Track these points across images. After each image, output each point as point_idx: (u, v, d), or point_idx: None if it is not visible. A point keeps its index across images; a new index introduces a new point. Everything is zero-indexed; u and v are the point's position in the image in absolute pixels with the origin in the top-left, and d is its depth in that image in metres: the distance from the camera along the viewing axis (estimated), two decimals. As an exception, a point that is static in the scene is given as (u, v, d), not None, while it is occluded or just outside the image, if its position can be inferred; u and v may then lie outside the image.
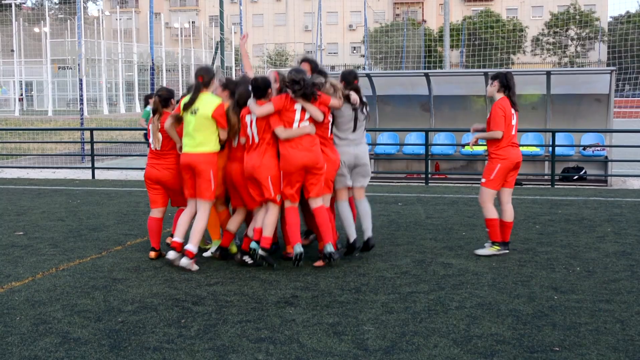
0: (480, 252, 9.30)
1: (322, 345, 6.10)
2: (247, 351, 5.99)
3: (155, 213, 9.27)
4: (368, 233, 9.17)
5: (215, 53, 20.11)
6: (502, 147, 9.10)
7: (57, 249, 9.83)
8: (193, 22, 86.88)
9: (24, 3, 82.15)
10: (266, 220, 8.56)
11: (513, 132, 9.16)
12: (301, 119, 8.41)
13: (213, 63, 21.20)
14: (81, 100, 24.91)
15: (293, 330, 6.49)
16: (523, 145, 18.22)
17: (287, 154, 8.41)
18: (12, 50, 60.85)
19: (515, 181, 9.42)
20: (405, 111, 19.57)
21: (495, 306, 7.14)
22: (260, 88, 8.47)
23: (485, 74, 17.88)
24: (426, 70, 21.00)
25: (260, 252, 8.51)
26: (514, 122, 9.16)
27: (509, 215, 9.31)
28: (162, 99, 9.07)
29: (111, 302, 7.36)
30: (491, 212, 9.20)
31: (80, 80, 24.41)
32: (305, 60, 9.38)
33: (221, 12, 19.24)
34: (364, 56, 54.07)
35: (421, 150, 18.33)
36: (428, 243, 10.06)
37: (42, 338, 6.31)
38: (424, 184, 17.06)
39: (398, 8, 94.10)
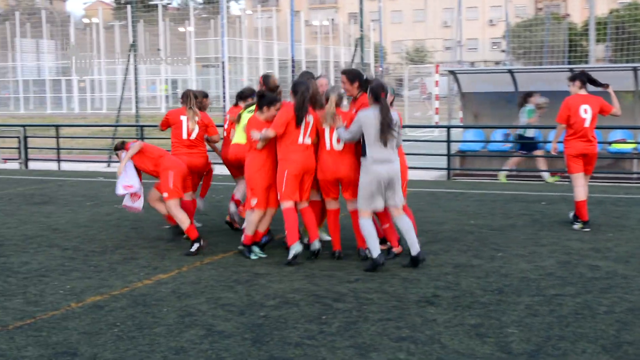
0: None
1: (464, 347, 5.99)
2: (387, 350, 5.95)
3: (188, 197, 10.23)
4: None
5: (355, 50, 20.15)
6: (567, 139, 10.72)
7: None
8: (332, 20, 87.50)
9: (169, 3, 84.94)
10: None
11: (586, 125, 10.55)
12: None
13: (352, 60, 21.27)
14: (224, 97, 25.48)
15: (434, 330, 6.40)
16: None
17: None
18: (159, 49, 62.95)
19: (591, 169, 10.82)
20: (549, 108, 19.01)
21: (647, 312, 6.83)
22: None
23: (635, 68, 17.18)
24: (570, 66, 20.39)
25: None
26: (584, 115, 10.54)
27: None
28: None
29: (253, 296, 7.48)
30: (576, 194, 10.79)
31: (224, 78, 24.97)
32: (342, 72, 9.35)
33: (361, 9, 19.26)
34: (504, 51, 53.01)
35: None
36: (574, 244, 9.73)
37: (187, 330, 6.47)
38: (569, 183, 16.51)
39: (540, 2, 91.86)
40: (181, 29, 66.46)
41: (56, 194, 15.17)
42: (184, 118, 10.42)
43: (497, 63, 75.49)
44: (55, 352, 5.97)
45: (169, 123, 10.56)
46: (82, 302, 7.35)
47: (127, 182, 9.71)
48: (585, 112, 10.57)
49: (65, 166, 20.45)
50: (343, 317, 6.77)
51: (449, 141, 17.18)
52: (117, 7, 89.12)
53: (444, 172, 17.49)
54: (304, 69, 67.61)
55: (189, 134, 10.40)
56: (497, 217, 11.76)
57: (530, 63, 53.43)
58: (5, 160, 21.20)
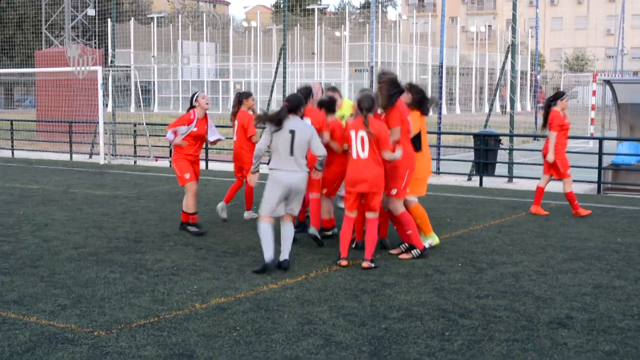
0: None
1: (594, 376, 5.59)
2: (510, 373, 5.63)
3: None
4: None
5: (506, 57, 19.58)
6: None
7: (333, 248, 9.90)
8: (489, 26, 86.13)
9: (326, 8, 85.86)
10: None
11: None
12: None
13: (503, 67, 20.68)
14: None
15: (563, 355, 6.02)
16: None
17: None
18: (313, 53, 63.76)
19: None
20: None
21: None
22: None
23: None
24: None
25: None
26: None
27: None
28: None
29: (377, 307, 7.29)
30: None
31: (372, 82, 24.88)
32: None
33: (514, 15, 18.69)
34: (670, 61, 50.56)
35: None
36: None
37: (305, 338, 6.35)
38: None
39: None
40: (337, 34, 67.08)
41: (199, 193, 15.40)
42: None
43: (662, 73, 72.13)
44: (172, 353, 5.98)
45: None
46: (207, 303, 7.38)
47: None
48: None
49: (213, 166, 20.89)
50: (467, 335, 6.48)
51: (600, 153, 16.39)
52: (275, 11, 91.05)
53: (594, 186, 16.68)
54: (457, 74, 66.92)
55: None
56: (647, 236, 11.09)
57: (698, 73, 50.71)
58: (157, 158, 21.86)
